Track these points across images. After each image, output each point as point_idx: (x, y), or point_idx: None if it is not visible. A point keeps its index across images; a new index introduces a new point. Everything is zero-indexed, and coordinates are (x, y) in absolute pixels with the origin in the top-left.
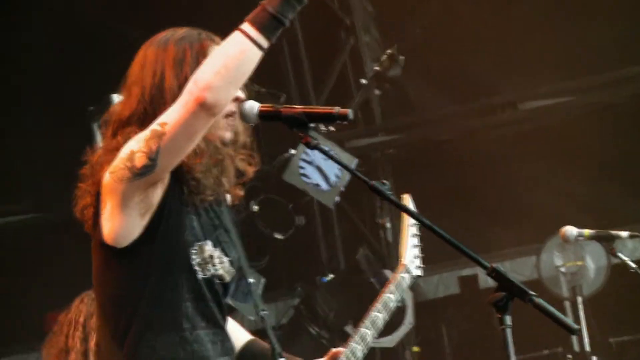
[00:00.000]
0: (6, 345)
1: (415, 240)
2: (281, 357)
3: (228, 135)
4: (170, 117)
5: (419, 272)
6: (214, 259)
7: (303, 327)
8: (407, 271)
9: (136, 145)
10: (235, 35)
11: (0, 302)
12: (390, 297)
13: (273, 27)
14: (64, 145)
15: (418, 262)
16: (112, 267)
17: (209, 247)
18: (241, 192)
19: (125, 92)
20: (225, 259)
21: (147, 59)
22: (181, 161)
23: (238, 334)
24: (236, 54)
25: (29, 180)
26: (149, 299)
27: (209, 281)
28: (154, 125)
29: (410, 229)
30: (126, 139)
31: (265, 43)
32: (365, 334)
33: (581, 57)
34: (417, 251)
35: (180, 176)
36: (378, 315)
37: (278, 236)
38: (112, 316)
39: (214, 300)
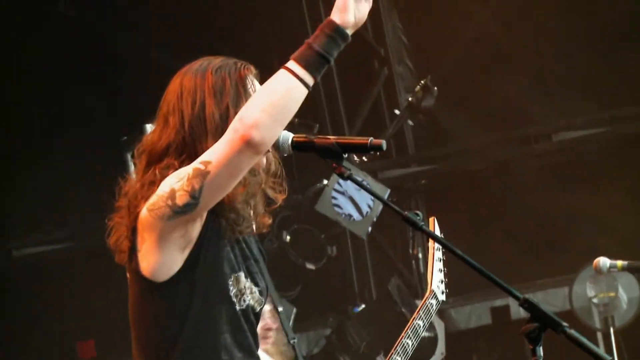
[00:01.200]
0: None
1: (441, 265)
2: None
3: (264, 160)
4: (214, 155)
5: (443, 298)
6: (246, 288)
7: (334, 357)
8: (435, 297)
9: (177, 184)
10: (281, 73)
11: (34, 329)
12: (419, 323)
13: (319, 65)
14: (99, 174)
15: (443, 287)
16: (151, 300)
17: (243, 278)
18: (269, 221)
19: (161, 122)
20: (256, 289)
21: (184, 88)
22: None
23: None
24: (283, 92)
25: (68, 209)
26: (189, 331)
27: (245, 312)
28: (197, 164)
29: (436, 254)
30: (164, 171)
31: (311, 81)
32: None
33: (616, 88)
34: (442, 276)
35: (219, 208)
36: (408, 342)
37: (310, 266)
38: (150, 348)
39: (250, 331)
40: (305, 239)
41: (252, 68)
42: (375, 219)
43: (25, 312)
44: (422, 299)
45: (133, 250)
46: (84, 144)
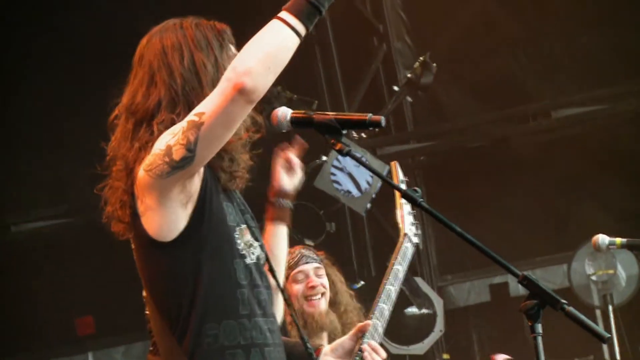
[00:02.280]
0: (36, 349)
1: (409, 208)
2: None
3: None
4: (208, 106)
5: (417, 240)
6: (252, 241)
7: None
8: (409, 240)
9: (173, 139)
10: (274, 23)
11: (33, 305)
12: (398, 268)
13: (311, 15)
14: (97, 151)
15: (414, 229)
16: (162, 262)
17: (246, 231)
18: (248, 175)
19: (145, 80)
20: (257, 244)
21: (165, 45)
22: None
23: None
24: (275, 40)
25: (67, 185)
26: (205, 288)
27: (256, 265)
28: (191, 116)
29: (402, 199)
30: (160, 126)
31: (303, 30)
32: (383, 309)
33: (615, 65)
34: (412, 218)
35: (214, 159)
36: (391, 288)
37: (309, 243)
38: (169, 310)
39: (264, 286)
40: (304, 215)
41: (223, 24)
42: (374, 196)
43: (23, 288)
44: (421, 277)
45: (135, 216)
46: (84, 120)
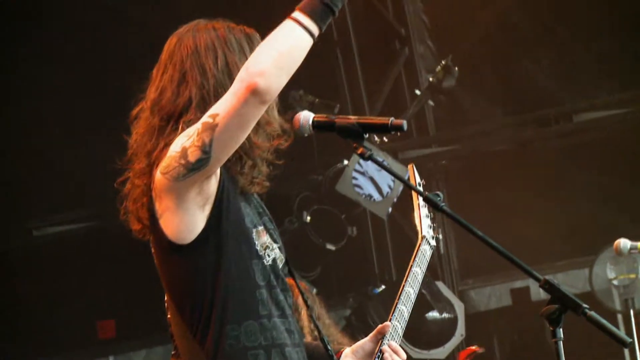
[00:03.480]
0: (57, 352)
1: (427, 210)
2: (327, 343)
3: (277, 115)
4: (221, 107)
5: (434, 243)
6: (269, 242)
7: (354, 338)
8: (427, 243)
9: (188, 141)
10: (287, 23)
11: (54, 308)
12: (417, 271)
13: (324, 15)
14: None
15: (432, 232)
16: (181, 264)
17: (263, 233)
18: (267, 184)
19: (175, 78)
20: (275, 245)
21: (199, 45)
22: (248, 148)
23: None
24: (288, 40)
25: (88, 189)
26: (224, 289)
27: (273, 267)
28: (205, 118)
29: (420, 199)
30: (187, 125)
31: (316, 30)
32: (402, 311)
33: (637, 68)
34: (429, 221)
35: (235, 164)
36: (410, 290)
37: (330, 247)
38: (190, 313)
39: (281, 288)
40: (326, 219)
41: (255, 32)
42: (395, 200)
43: (45, 292)
44: (442, 281)
45: (154, 219)
46: (105, 122)
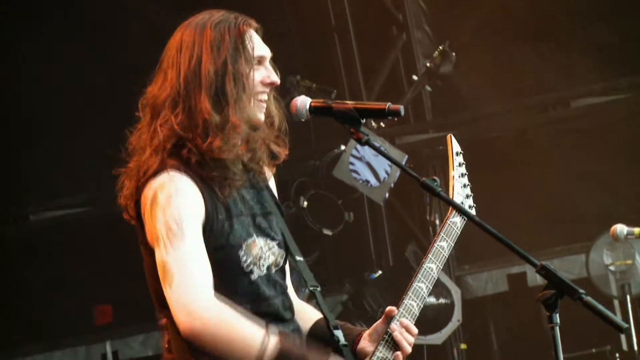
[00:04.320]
0: (54, 338)
1: (465, 180)
2: (337, 328)
3: (260, 116)
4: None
5: (472, 212)
6: (264, 250)
7: (351, 324)
8: (458, 215)
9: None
10: (258, 339)
11: (51, 293)
12: (442, 245)
13: None
14: (116, 139)
15: (470, 201)
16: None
17: (256, 242)
18: (273, 170)
19: (161, 75)
20: (273, 244)
21: (183, 42)
22: (206, 150)
23: (307, 314)
24: (240, 352)
25: (85, 174)
26: None
27: (267, 276)
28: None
29: (456, 159)
30: (163, 128)
31: None
32: (419, 288)
33: (636, 55)
34: (467, 190)
35: (209, 174)
36: (431, 266)
37: (327, 232)
38: (162, 307)
39: (276, 296)
40: (323, 204)
41: (253, 22)
42: (392, 185)
43: (42, 277)
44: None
45: (140, 220)
46: (102, 108)
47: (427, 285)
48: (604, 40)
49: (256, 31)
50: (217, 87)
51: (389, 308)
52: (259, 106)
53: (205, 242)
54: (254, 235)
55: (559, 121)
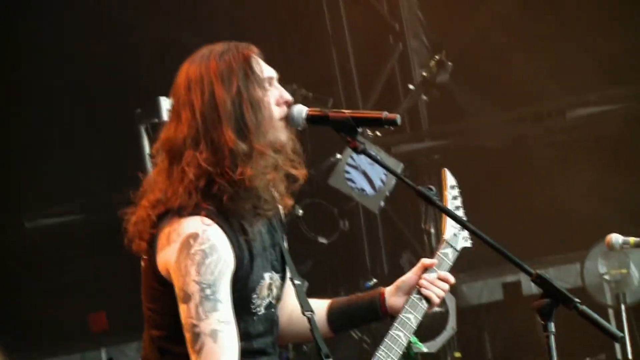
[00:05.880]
0: (49, 345)
1: (460, 210)
2: (328, 357)
3: (282, 137)
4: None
5: (466, 244)
6: (271, 288)
7: (345, 332)
8: (450, 246)
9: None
10: None
11: (46, 300)
12: (408, 316)
13: None
14: (112, 147)
15: (464, 233)
16: (166, 299)
17: (266, 281)
18: (291, 202)
19: (174, 117)
20: (276, 277)
21: (190, 79)
22: (238, 181)
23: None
24: None
25: (80, 182)
26: None
27: (266, 315)
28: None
29: (451, 192)
30: (189, 167)
31: None
32: (398, 336)
33: (631, 64)
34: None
35: (242, 207)
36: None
37: (322, 240)
38: (160, 334)
39: (267, 333)
40: (318, 213)
41: (254, 47)
42: (388, 194)
43: (37, 284)
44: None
45: (153, 247)
46: (97, 116)
47: (405, 334)
48: (600, 51)
49: (258, 55)
50: (237, 117)
51: (426, 261)
52: (281, 127)
53: (231, 289)
54: (265, 273)
55: (554, 131)
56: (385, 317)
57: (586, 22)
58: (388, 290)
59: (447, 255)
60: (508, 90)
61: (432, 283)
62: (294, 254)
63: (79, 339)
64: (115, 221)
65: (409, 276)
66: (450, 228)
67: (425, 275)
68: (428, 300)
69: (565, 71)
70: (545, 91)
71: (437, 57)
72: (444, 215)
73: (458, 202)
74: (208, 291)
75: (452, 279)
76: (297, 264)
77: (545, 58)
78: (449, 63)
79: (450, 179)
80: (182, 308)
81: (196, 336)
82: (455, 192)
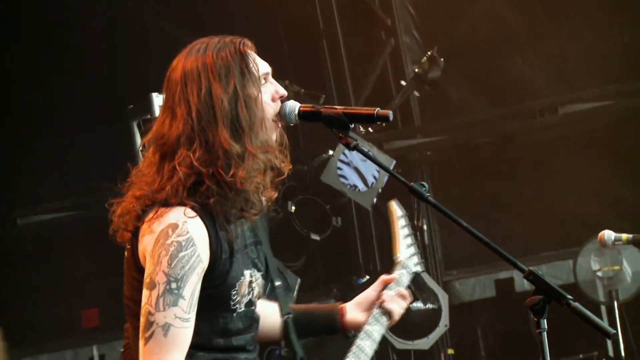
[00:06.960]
0: (41, 341)
1: (409, 238)
2: None
3: (273, 137)
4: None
5: (418, 269)
6: (252, 285)
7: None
8: (404, 267)
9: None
10: None
11: (39, 296)
12: (362, 344)
13: None
14: (104, 143)
15: (416, 258)
16: (143, 285)
17: (246, 279)
18: (275, 194)
19: (168, 113)
20: (258, 275)
21: (186, 75)
22: (229, 182)
23: (274, 307)
24: None
25: (73, 178)
26: None
27: (246, 312)
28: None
29: (399, 222)
30: (181, 167)
31: None
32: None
33: (623, 61)
34: (413, 247)
35: (228, 210)
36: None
37: (315, 237)
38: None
39: (247, 330)
40: (310, 209)
41: (248, 42)
42: (380, 190)
43: (29, 281)
44: (427, 272)
45: (136, 236)
46: (89, 113)
47: (370, 345)
48: (593, 47)
49: (251, 49)
50: (232, 117)
51: (385, 277)
52: (273, 127)
53: (203, 282)
54: (245, 270)
55: (547, 127)
56: (342, 331)
57: (579, 19)
58: (348, 306)
59: (403, 275)
60: (500, 86)
61: (392, 299)
62: (287, 250)
63: (71, 335)
64: (107, 218)
65: (369, 292)
66: (404, 251)
67: (386, 292)
68: (389, 315)
69: (557, 67)
70: (538, 87)
71: (429, 53)
72: (395, 238)
73: (407, 230)
74: (174, 285)
75: (409, 297)
76: (290, 260)
77: (537, 54)
78: (441, 59)
79: (398, 210)
80: (145, 293)
81: (149, 324)
82: (403, 221)
